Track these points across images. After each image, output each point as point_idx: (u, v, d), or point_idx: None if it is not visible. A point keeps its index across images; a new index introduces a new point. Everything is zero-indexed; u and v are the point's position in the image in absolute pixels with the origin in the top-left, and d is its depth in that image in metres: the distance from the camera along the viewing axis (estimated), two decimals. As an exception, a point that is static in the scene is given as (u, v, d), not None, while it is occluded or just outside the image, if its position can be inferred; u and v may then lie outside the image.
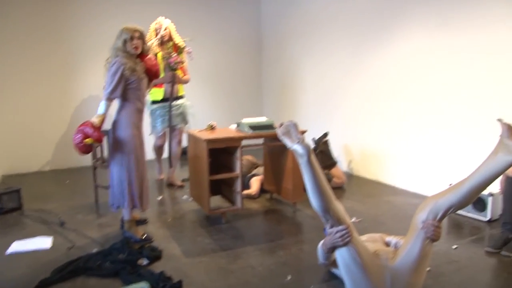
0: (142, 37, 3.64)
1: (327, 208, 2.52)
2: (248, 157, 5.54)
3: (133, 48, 3.57)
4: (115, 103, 3.68)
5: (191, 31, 7.09)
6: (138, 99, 3.67)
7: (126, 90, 3.59)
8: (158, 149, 5.76)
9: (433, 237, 2.48)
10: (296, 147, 2.50)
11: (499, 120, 2.43)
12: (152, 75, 3.82)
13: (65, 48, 6.63)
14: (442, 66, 4.68)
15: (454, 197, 2.44)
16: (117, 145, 3.66)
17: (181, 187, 5.56)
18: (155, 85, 5.25)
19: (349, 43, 6.04)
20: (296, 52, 7.23)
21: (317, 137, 5.76)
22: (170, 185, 5.66)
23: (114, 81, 3.50)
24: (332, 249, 2.61)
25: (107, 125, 3.68)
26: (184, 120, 5.58)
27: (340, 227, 2.52)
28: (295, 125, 2.58)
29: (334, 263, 2.79)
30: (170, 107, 5.38)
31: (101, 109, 3.54)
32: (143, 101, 3.77)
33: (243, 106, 8.12)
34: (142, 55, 3.70)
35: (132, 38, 3.56)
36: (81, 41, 6.69)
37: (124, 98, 3.63)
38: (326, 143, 5.66)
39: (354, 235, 2.53)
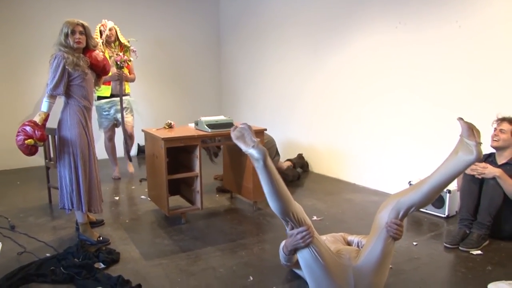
0: (85, 31, 3.48)
1: (286, 211, 2.47)
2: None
3: (75, 42, 3.41)
4: (60, 101, 3.52)
5: (149, 29, 6.99)
6: (84, 97, 3.51)
7: (69, 86, 3.44)
8: (109, 142, 5.91)
9: (396, 236, 2.48)
10: (251, 151, 2.39)
11: (459, 119, 2.45)
12: (99, 70, 3.66)
13: (12, 46, 6.34)
14: (401, 65, 4.74)
15: (415, 196, 2.46)
16: (63, 145, 3.50)
17: (131, 173, 6.05)
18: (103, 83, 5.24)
19: (307, 43, 6.04)
20: (255, 51, 7.19)
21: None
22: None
23: (56, 77, 3.35)
24: (293, 250, 2.58)
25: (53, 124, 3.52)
26: (130, 113, 5.78)
27: (301, 229, 2.48)
28: (249, 128, 2.48)
29: (296, 264, 2.75)
30: (122, 105, 5.55)
31: (44, 106, 3.39)
32: (90, 98, 3.60)
33: (202, 105, 8.01)
34: (89, 51, 3.55)
35: (73, 32, 3.40)
36: (27, 39, 6.41)
37: (68, 96, 3.48)
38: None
39: (315, 235, 2.50)
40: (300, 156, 6.07)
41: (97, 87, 3.79)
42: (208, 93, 8.25)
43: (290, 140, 6.59)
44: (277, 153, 5.57)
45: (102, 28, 5.47)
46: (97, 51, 3.61)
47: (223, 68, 8.24)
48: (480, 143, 2.34)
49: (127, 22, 6.16)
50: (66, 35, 3.40)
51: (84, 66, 3.46)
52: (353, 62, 5.34)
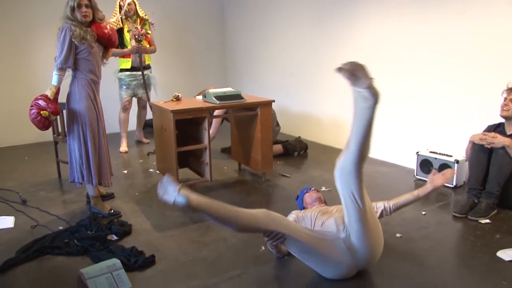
0: (91, 4, 3.44)
1: (264, 230, 2.44)
2: (210, 89, 5.39)
3: (82, 15, 3.38)
4: (68, 75, 3.52)
5: (154, 1, 6.89)
6: (90, 71, 3.50)
7: (75, 60, 3.44)
8: (123, 113, 6.06)
9: None
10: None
11: (338, 69, 2.25)
12: (106, 42, 3.61)
13: (17, 20, 6.27)
14: (410, 35, 4.68)
15: (349, 157, 2.32)
16: (72, 119, 3.51)
17: (148, 143, 6.30)
18: (123, 56, 5.77)
19: (312, 13, 5.96)
20: (259, 23, 7.11)
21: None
22: (139, 141, 6.44)
23: (64, 49, 3.34)
24: (276, 247, 2.74)
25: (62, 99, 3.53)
26: (148, 88, 6.01)
27: (271, 235, 2.45)
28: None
29: (289, 253, 2.79)
30: (143, 76, 5.86)
31: (54, 80, 3.40)
32: (98, 72, 3.59)
33: (206, 77, 7.95)
34: (95, 23, 3.51)
35: (79, 6, 3.36)
36: (34, 12, 6.34)
37: (75, 69, 3.47)
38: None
39: (290, 229, 2.45)
40: (298, 140, 5.83)
41: (105, 60, 3.76)
42: (213, 65, 8.19)
43: (294, 111, 6.58)
44: (278, 124, 5.59)
45: (121, 3, 5.63)
46: (104, 24, 3.58)
47: (227, 40, 8.16)
48: (371, 80, 2.15)
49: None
50: (73, 9, 3.36)
51: (91, 40, 3.44)
52: (360, 33, 5.28)
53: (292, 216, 2.89)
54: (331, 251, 2.47)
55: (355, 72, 2.20)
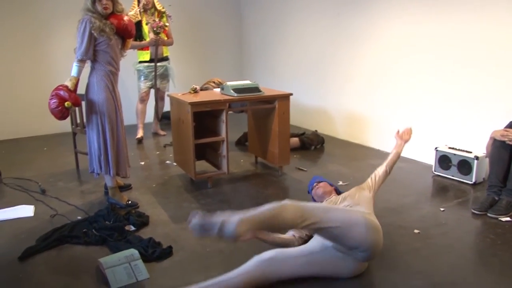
0: None
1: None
2: (215, 79, 5.43)
3: (103, 7, 3.40)
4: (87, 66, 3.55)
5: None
6: (108, 62, 3.52)
7: (95, 52, 3.46)
8: (140, 104, 6.17)
9: None
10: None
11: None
12: (123, 33, 3.61)
13: (37, 12, 6.32)
14: (428, 30, 4.62)
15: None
16: (90, 109, 3.54)
17: (164, 135, 6.35)
18: (141, 48, 5.90)
19: (329, 5, 5.91)
20: (277, 14, 7.07)
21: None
22: (155, 133, 6.50)
23: (85, 41, 3.37)
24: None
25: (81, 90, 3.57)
26: (165, 79, 6.18)
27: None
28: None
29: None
30: (156, 68, 5.94)
31: (74, 71, 3.42)
32: (116, 63, 3.61)
33: (222, 69, 7.94)
34: (113, 15, 3.52)
35: None
36: (53, 4, 6.39)
37: (94, 61, 3.50)
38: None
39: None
40: (315, 134, 5.83)
41: (123, 52, 3.77)
42: (229, 58, 8.19)
43: (310, 105, 6.55)
44: None
45: None
46: (122, 15, 3.57)
47: (244, 32, 8.14)
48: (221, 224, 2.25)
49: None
50: (93, 1, 3.38)
51: (110, 32, 3.45)
52: (379, 28, 5.22)
53: None
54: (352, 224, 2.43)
55: (204, 227, 2.24)
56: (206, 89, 4.76)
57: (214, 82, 5.21)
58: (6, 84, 6.28)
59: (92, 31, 3.36)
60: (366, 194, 2.97)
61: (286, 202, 2.34)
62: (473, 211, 3.48)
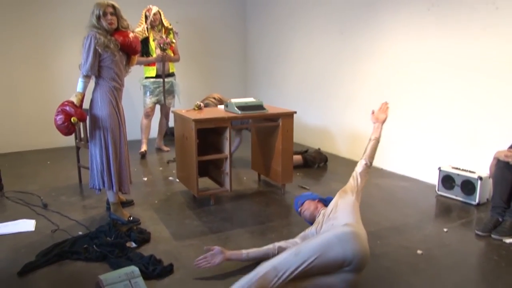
0: (116, 12, 3.49)
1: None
2: (215, 95, 5.37)
3: (107, 23, 3.43)
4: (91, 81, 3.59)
5: (175, 7, 6.98)
6: (112, 78, 3.54)
7: (99, 67, 3.48)
8: (145, 119, 6.21)
9: None
10: None
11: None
12: (128, 50, 3.63)
13: (42, 27, 6.39)
14: (432, 48, 4.64)
15: None
16: (94, 125, 3.56)
17: (168, 151, 6.34)
18: (148, 64, 5.98)
19: (333, 23, 5.96)
20: (282, 31, 7.12)
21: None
22: (159, 149, 6.48)
23: (90, 57, 3.40)
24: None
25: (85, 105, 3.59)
26: (171, 95, 6.24)
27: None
28: None
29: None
30: (164, 84, 6.03)
31: (79, 86, 3.45)
32: (120, 79, 3.62)
33: (227, 85, 7.99)
34: (118, 31, 3.54)
35: (105, 14, 3.42)
36: (59, 19, 6.46)
37: (98, 76, 3.53)
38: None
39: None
40: (318, 151, 5.79)
41: (128, 69, 3.79)
42: (234, 73, 8.23)
43: (313, 122, 6.55)
44: None
45: (147, 13, 5.74)
46: (127, 31, 3.60)
47: (249, 48, 8.19)
48: None
49: (148, 2, 6.17)
50: (98, 17, 3.42)
51: (114, 48, 3.47)
52: (381, 45, 5.25)
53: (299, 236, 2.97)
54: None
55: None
56: (207, 104, 4.75)
57: (214, 98, 5.19)
58: (11, 97, 6.33)
59: (97, 47, 3.39)
60: (349, 199, 2.92)
61: (259, 270, 2.33)
62: (477, 232, 3.45)
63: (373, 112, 3.31)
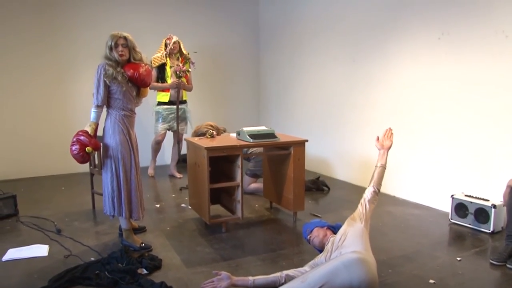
0: (128, 44, 3.56)
1: None
2: (210, 123, 5.28)
3: (118, 54, 3.52)
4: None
5: (190, 36, 7.13)
6: (121, 108, 3.61)
7: (108, 98, 3.58)
8: (156, 145, 6.41)
9: None
10: None
11: None
12: (138, 84, 3.69)
13: (61, 57, 6.57)
14: (444, 76, 4.66)
15: None
16: (106, 153, 3.64)
17: (180, 178, 6.34)
18: (162, 90, 6.16)
19: (346, 51, 6.03)
20: (295, 60, 7.21)
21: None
22: (171, 176, 6.51)
23: (100, 88, 3.51)
24: None
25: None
26: (184, 122, 6.37)
27: None
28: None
29: None
30: (177, 111, 6.15)
31: (92, 116, 3.56)
32: (129, 108, 3.68)
33: (240, 112, 8.11)
34: (129, 64, 3.61)
35: (116, 45, 3.51)
36: (77, 51, 6.64)
37: (108, 105, 3.62)
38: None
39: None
40: (313, 181, 5.75)
41: (139, 100, 3.87)
42: (247, 101, 8.32)
43: (325, 149, 6.56)
44: None
45: (167, 41, 6.10)
46: (139, 64, 3.65)
47: (262, 76, 8.29)
48: None
49: (169, 31, 6.34)
50: (110, 48, 3.52)
51: (122, 81, 3.55)
52: (392, 72, 5.29)
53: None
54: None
55: None
56: (205, 133, 4.74)
57: (211, 126, 5.18)
58: (29, 125, 6.46)
59: (104, 78, 3.49)
60: (358, 226, 2.93)
61: None
62: (491, 261, 3.40)
63: (377, 139, 3.33)
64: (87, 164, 4.65)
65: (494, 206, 3.99)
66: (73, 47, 6.62)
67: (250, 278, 2.82)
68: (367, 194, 3.12)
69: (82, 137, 3.41)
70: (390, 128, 3.38)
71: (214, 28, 7.70)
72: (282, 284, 2.69)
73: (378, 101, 5.57)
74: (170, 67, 6.10)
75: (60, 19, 6.50)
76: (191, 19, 7.41)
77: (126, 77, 3.58)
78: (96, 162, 4.64)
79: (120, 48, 3.52)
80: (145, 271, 3.22)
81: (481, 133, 4.34)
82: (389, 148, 3.28)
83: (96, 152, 4.33)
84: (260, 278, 2.83)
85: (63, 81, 6.63)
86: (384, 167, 3.20)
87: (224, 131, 5.07)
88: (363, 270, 2.40)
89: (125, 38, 3.56)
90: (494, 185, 4.16)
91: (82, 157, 3.43)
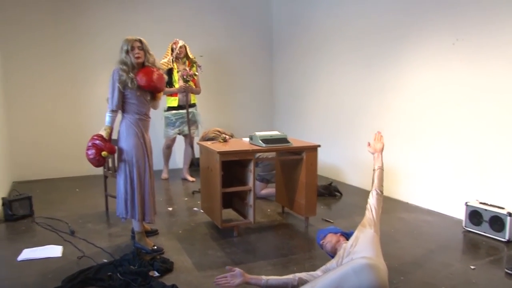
0: (143, 46, 3.62)
1: None
2: (217, 128, 5.35)
3: (135, 58, 3.56)
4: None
5: (203, 42, 7.18)
6: (135, 112, 3.66)
7: (123, 102, 3.63)
8: (167, 150, 6.55)
9: None
10: None
11: None
12: (149, 90, 3.71)
13: (75, 59, 6.68)
14: (458, 82, 4.63)
15: None
16: (120, 156, 3.69)
17: (193, 181, 6.39)
18: (170, 95, 6.19)
19: (359, 57, 6.01)
20: (308, 65, 7.21)
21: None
22: (184, 179, 6.55)
23: (115, 93, 3.57)
24: None
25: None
26: (194, 125, 6.42)
27: None
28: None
29: None
30: (188, 114, 6.23)
31: (107, 121, 3.62)
32: (143, 112, 3.72)
33: (253, 118, 8.12)
34: (142, 69, 3.62)
35: (133, 48, 3.56)
36: (90, 55, 6.74)
37: (123, 109, 3.67)
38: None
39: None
40: (326, 187, 5.73)
41: (155, 104, 3.88)
42: (260, 106, 8.33)
43: (338, 155, 6.54)
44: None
45: (174, 46, 6.18)
46: (151, 69, 3.65)
47: (275, 81, 8.31)
48: None
49: (182, 36, 6.39)
50: (127, 52, 3.57)
51: (133, 87, 3.59)
52: (406, 78, 5.26)
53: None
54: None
55: None
56: (213, 138, 4.77)
57: (219, 131, 5.22)
58: (44, 128, 6.57)
59: (118, 84, 3.54)
60: (368, 232, 2.95)
61: None
62: (507, 270, 3.35)
63: (369, 144, 3.44)
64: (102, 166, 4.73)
65: (510, 214, 3.94)
66: (85, 53, 6.72)
67: (264, 277, 2.81)
68: (371, 199, 3.16)
69: (97, 141, 3.46)
70: (379, 132, 3.48)
71: (226, 35, 7.74)
72: (295, 286, 2.69)
73: (391, 107, 5.54)
74: (177, 71, 6.16)
75: (72, 25, 6.62)
76: (203, 25, 7.47)
77: (135, 84, 3.59)
78: (110, 165, 4.69)
79: (136, 51, 3.57)
80: (156, 274, 3.24)
81: (497, 141, 4.30)
82: (382, 150, 3.38)
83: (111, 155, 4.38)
84: (274, 279, 2.82)
85: (76, 85, 6.74)
86: (381, 169, 3.28)
87: (232, 136, 5.09)
88: (373, 276, 2.39)
89: (140, 41, 3.61)
90: (510, 193, 4.12)
91: (98, 161, 3.49)
